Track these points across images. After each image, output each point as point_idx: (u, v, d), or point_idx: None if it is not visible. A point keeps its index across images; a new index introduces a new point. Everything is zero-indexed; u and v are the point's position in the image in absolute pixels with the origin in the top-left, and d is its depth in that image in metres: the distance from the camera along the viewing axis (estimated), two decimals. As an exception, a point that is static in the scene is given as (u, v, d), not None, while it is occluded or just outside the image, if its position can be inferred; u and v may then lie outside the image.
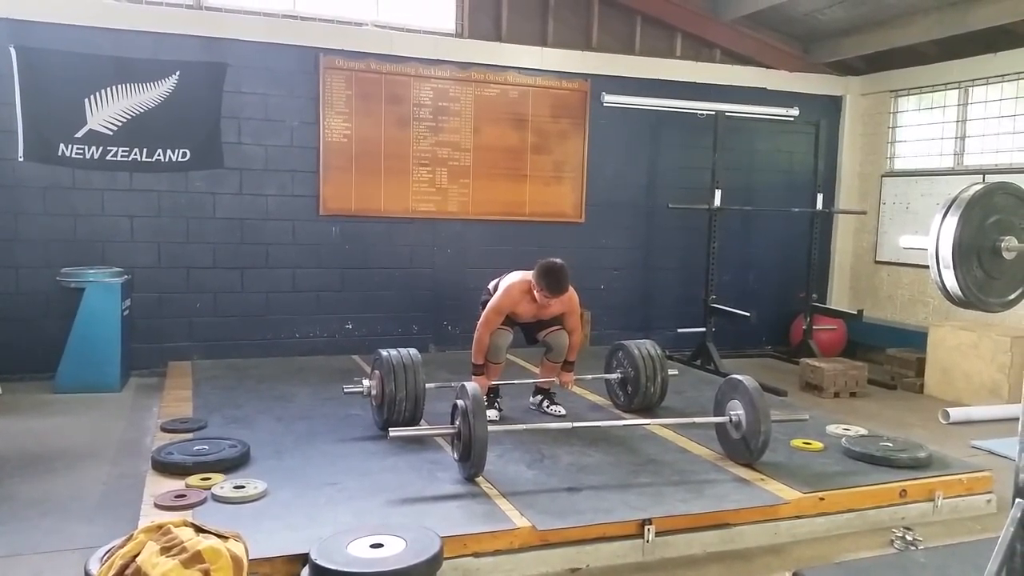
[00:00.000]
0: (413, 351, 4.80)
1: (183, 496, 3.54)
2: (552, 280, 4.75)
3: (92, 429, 5.18)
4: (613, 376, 5.49)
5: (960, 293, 2.43)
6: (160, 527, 2.67)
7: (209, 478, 3.75)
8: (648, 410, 5.29)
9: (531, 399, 5.45)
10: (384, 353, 4.74)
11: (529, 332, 5.25)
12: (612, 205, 8.04)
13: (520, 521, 3.41)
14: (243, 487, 3.64)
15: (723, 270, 7.81)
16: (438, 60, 7.33)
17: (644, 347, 5.34)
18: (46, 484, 4.15)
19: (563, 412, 5.25)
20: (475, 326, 4.98)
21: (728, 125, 7.60)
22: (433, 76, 7.34)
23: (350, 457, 4.26)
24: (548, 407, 5.31)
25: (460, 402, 3.94)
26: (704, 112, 7.72)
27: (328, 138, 7.06)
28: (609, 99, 7.79)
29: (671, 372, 5.40)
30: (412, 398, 4.59)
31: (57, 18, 6.25)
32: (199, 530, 2.70)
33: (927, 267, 2.52)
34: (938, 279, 2.46)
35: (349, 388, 4.84)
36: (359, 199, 7.20)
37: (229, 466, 3.94)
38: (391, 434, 3.96)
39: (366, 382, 4.81)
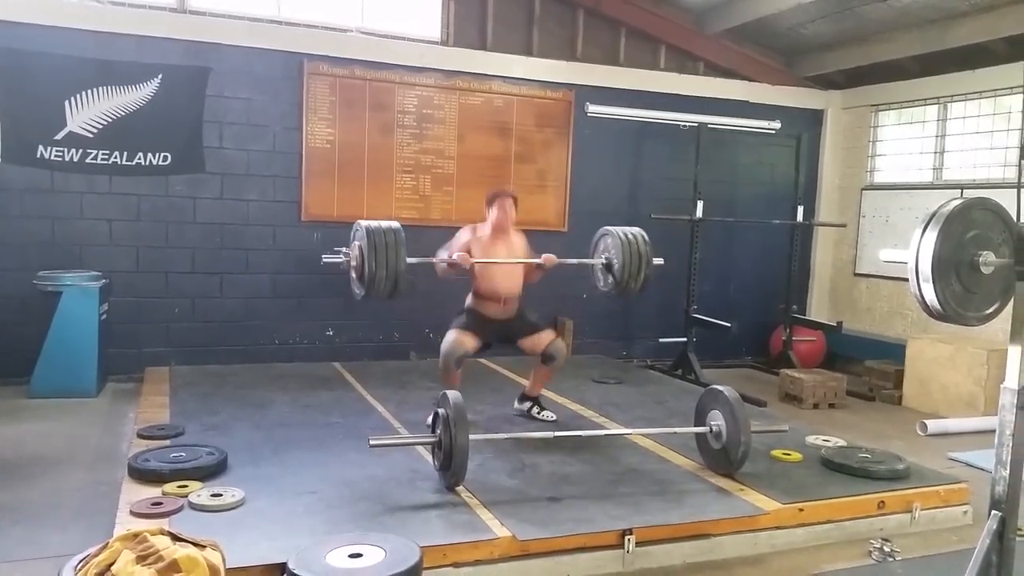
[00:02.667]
0: (395, 224, 4.54)
1: (159, 504, 3.49)
2: (494, 188, 5.23)
3: (67, 435, 5.11)
4: (598, 261, 5.21)
5: (939, 307, 2.46)
6: (136, 535, 2.63)
7: (186, 486, 3.71)
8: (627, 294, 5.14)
9: (516, 405, 5.40)
10: (364, 224, 4.44)
11: (511, 337, 5.15)
12: (595, 214, 8.01)
13: (501, 531, 3.40)
14: (220, 495, 3.60)
15: (704, 281, 7.84)
16: (423, 68, 7.33)
17: (631, 234, 5.04)
18: (19, 491, 4.08)
19: (554, 418, 5.23)
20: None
21: (711, 137, 7.64)
22: (417, 84, 7.33)
23: (329, 465, 4.23)
24: (539, 413, 5.28)
25: (441, 411, 3.93)
26: (687, 124, 7.77)
27: (311, 144, 7.02)
28: (593, 109, 7.82)
29: (656, 261, 5.06)
30: (392, 276, 4.36)
31: (38, 19, 6.19)
32: (176, 538, 2.68)
33: (906, 280, 2.55)
34: (917, 293, 2.49)
35: (328, 258, 4.67)
36: (341, 205, 7.16)
37: (206, 473, 3.90)
38: (371, 443, 3.93)
39: (345, 250, 4.60)
